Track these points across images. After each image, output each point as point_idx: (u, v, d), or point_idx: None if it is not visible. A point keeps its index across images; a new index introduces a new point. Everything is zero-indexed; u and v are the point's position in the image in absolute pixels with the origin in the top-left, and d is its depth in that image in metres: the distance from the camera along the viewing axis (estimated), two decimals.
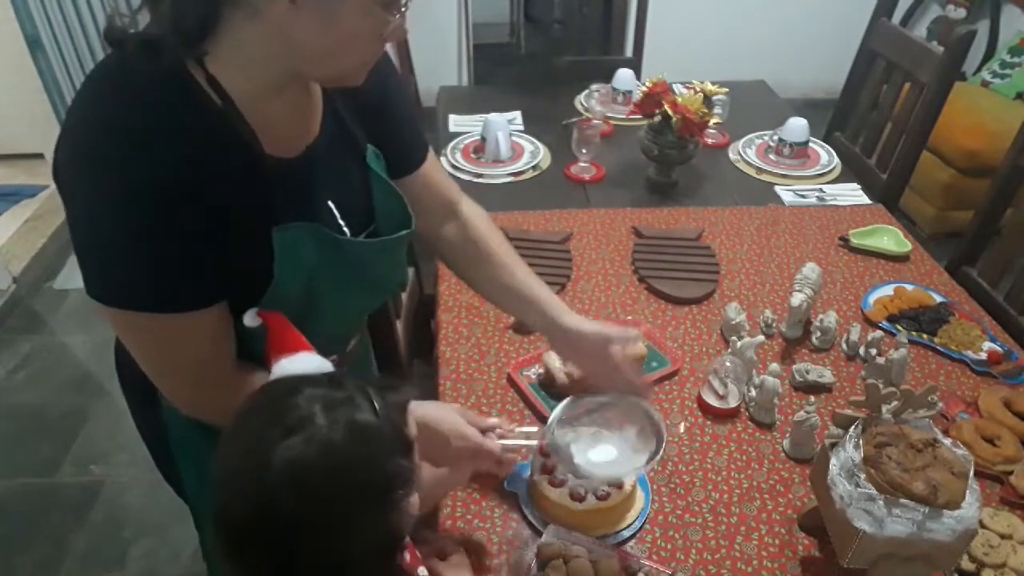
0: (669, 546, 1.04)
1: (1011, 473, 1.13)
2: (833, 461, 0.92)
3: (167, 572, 1.91)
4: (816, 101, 3.72)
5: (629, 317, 1.46)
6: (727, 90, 1.93)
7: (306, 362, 0.77)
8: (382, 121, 1.01)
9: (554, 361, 1.26)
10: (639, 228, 1.70)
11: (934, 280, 1.58)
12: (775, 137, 2.03)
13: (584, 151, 1.91)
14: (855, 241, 1.67)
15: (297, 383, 0.70)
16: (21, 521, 2.03)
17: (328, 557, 0.65)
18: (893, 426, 0.94)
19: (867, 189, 1.95)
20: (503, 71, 4.37)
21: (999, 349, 1.36)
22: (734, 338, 1.29)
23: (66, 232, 0.79)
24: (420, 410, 0.91)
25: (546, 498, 1.04)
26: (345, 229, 0.95)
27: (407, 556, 0.82)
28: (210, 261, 0.79)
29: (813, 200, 1.87)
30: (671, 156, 1.82)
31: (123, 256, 0.77)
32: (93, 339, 2.59)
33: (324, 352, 0.81)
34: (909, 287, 1.53)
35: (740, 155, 2.05)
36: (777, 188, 1.92)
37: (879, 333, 1.36)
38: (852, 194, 1.90)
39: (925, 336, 1.41)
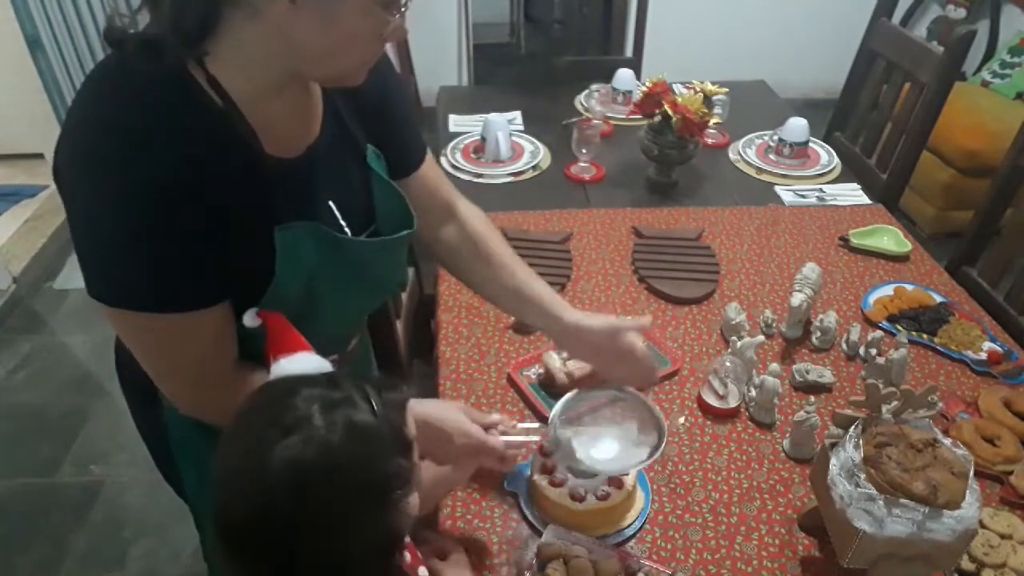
0: (669, 546, 1.04)
1: (1011, 473, 1.13)
2: (833, 461, 0.92)
3: (167, 572, 1.91)
4: (816, 101, 3.72)
5: (629, 317, 1.45)
6: (727, 90, 1.93)
7: (305, 362, 0.77)
8: (382, 121, 1.01)
9: (554, 361, 1.27)
10: (639, 228, 1.70)
11: (934, 280, 1.58)
12: (775, 137, 2.03)
13: (584, 151, 1.92)
14: (855, 241, 1.67)
15: (295, 383, 0.70)
16: (21, 521, 2.03)
17: (328, 557, 0.65)
18: (893, 426, 0.94)
19: (867, 189, 1.95)
20: (503, 71, 4.37)
21: (999, 349, 1.36)
22: (734, 338, 1.29)
23: (66, 232, 0.79)
24: (423, 408, 0.91)
25: (546, 498, 1.04)
26: (346, 229, 0.95)
27: (408, 556, 0.82)
28: (210, 261, 0.79)
29: (813, 200, 1.87)
30: (671, 156, 1.83)
31: (123, 256, 0.77)
32: (93, 339, 2.59)
33: (324, 352, 0.81)
34: (909, 287, 1.53)
35: (740, 155, 2.05)
36: (777, 188, 1.92)
37: (879, 333, 1.36)
38: (852, 194, 1.90)
39: (925, 336, 1.41)
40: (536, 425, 1.14)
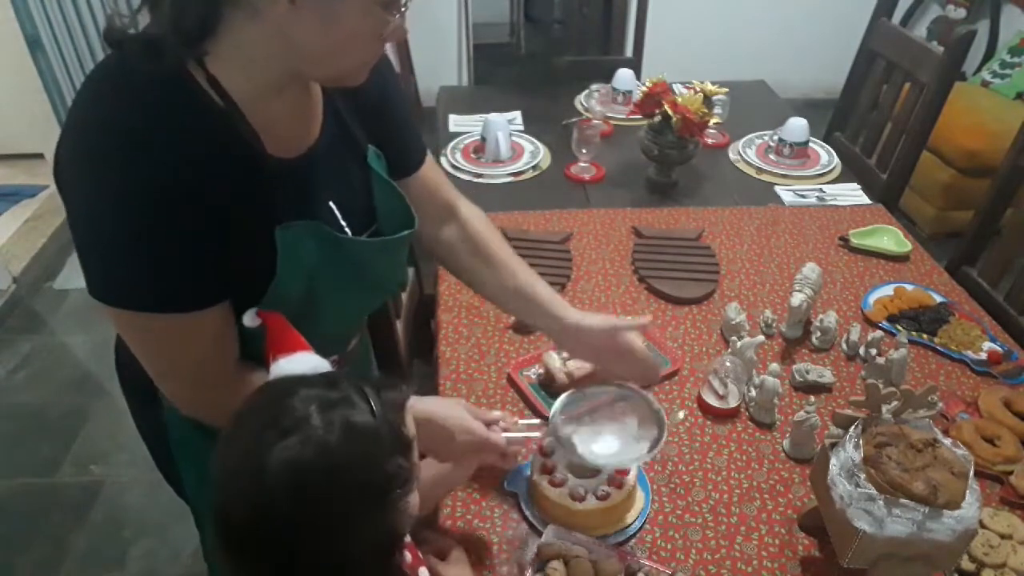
0: (669, 546, 1.04)
1: (1011, 473, 1.13)
2: (833, 461, 0.92)
3: (167, 572, 1.91)
4: (816, 101, 3.72)
5: (629, 317, 1.45)
6: (727, 90, 1.93)
7: (304, 362, 0.77)
8: (382, 121, 1.01)
9: (554, 361, 1.27)
10: (639, 228, 1.70)
11: (934, 280, 1.58)
12: (775, 137, 2.03)
13: (584, 151, 1.92)
14: (855, 241, 1.67)
15: (294, 384, 0.70)
16: (21, 521, 2.03)
17: (327, 557, 0.65)
18: (893, 426, 0.94)
19: (867, 189, 1.95)
20: (503, 71, 4.37)
21: (999, 349, 1.36)
22: (734, 338, 1.29)
23: (66, 232, 0.79)
24: (424, 405, 0.91)
25: (546, 498, 1.04)
26: (346, 229, 0.95)
27: (408, 557, 0.82)
28: (210, 261, 0.79)
29: (813, 200, 1.87)
30: (671, 156, 1.83)
31: (123, 256, 0.77)
32: (93, 339, 2.59)
33: (325, 352, 0.81)
34: (909, 287, 1.53)
35: (740, 155, 2.05)
36: (777, 188, 1.92)
37: (879, 333, 1.36)
38: (852, 194, 1.90)
39: (925, 336, 1.41)
40: (537, 421, 1.14)
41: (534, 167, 1.97)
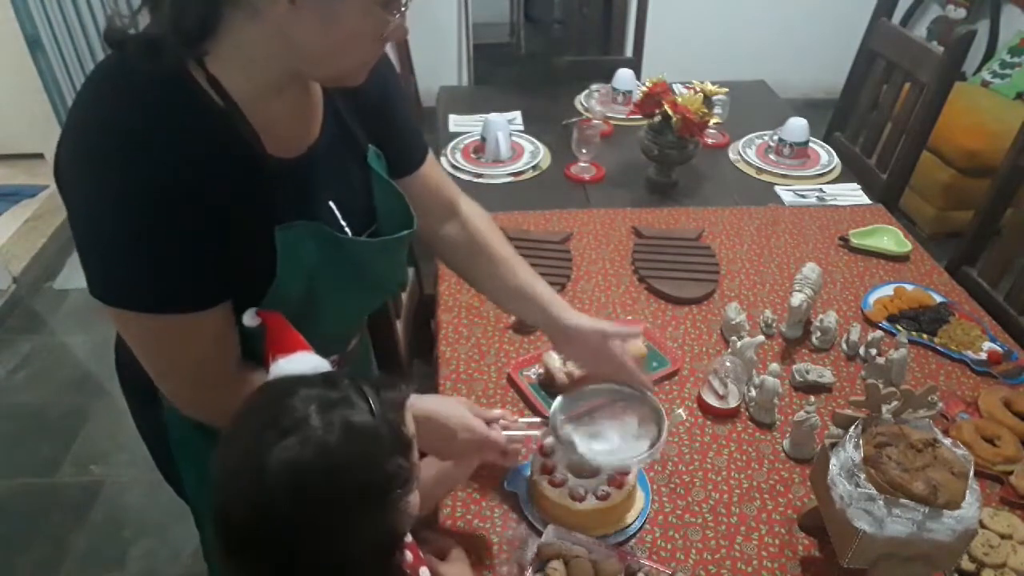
0: (669, 546, 1.04)
1: (1011, 473, 1.13)
2: (833, 461, 0.92)
3: (167, 572, 1.91)
4: (816, 101, 3.72)
5: (629, 317, 1.46)
6: (727, 90, 1.93)
7: (303, 362, 0.77)
8: (382, 121, 1.01)
9: (554, 361, 1.27)
10: (639, 228, 1.70)
11: (934, 280, 1.58)
12: (775, 137, 2.03)
13: (584, 151, 1.92)
14: (855, 241, 1.67)
15: (293, 384, 0.70)
16: (21, 521, 2.03)
17: (327, 557, 0.65)
18: (893, 426, 0.94)
19: (867, 189, 1.95)
20: (503, 71, 4.37)
21: (999, 349, 1.36)
22: (734, 338, 1.29)
23: (66, 232, 0.80)
24: (425, 404, 0.91)
25: (546, 498, 1.04)
26: (347, 229, 0.95)
27: (409, 556, 0.82)
28: (210, 261, 0.79)
29: (813, 200, 1.87)
30: (671, 156, 1.83)
31: (123, 256, 0.77)
32: (93, 339, 2.59)
33: (325, 352, 0.81)
34: (909, 287, 1.53)
35: (740, 155, 2.05)
36: (777, 188, 1.92)
37: (879, 333, 1.36)
38: (852, 194, 1.90)
39: (925, 336, 1.41)
40: (537, 420, 1.14)
41: (534, 167, 1.97)
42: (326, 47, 0.78)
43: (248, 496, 0.64)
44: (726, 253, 1.64)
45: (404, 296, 1.83)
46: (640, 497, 1.09)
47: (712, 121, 1.80)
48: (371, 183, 0.99)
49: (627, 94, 2.23)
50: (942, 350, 1.38)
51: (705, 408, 1.25)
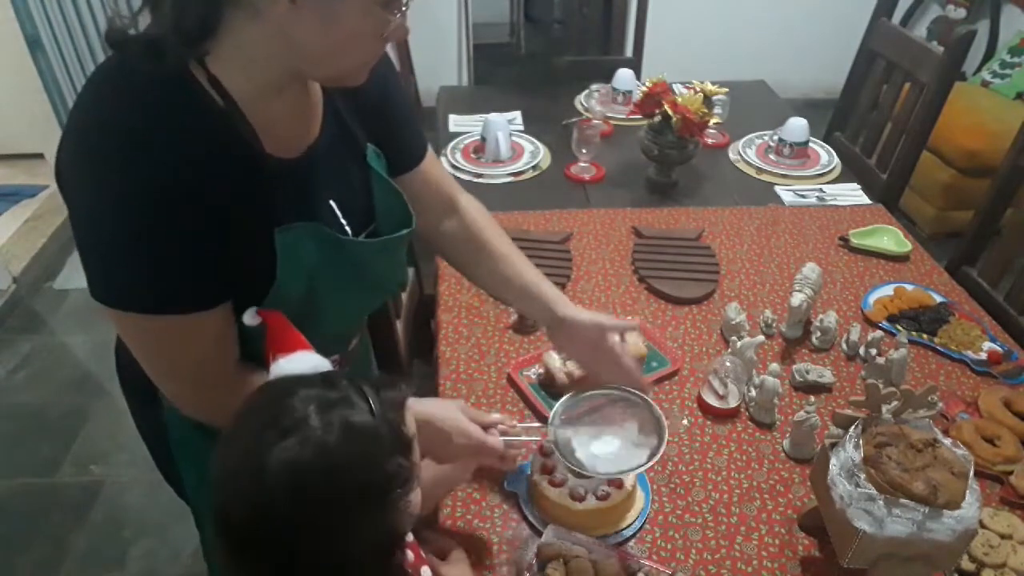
0: (669, 546, 1.04)
1: (1011, 473, 1.13)
2: (833, 461, 0.92)
3: (167, 572, 1.91)
4: (816, 101, 3.73)
5: (629, 317, 1.46)
6: (727, 90, 1.93)
7: (303, 361, 0.77)
8: (382, 120, 1.01)
9: (554, 361, 1.27)
10: (639, 228, 1.70)
11: (934, 280, 1.58)
12: (775, 137, 2.03)
13: (584, 151, 1.92)
14: (855, 241, 1.67)
15: (293, 384, 0.70)
16: (21, 521, 2.03)
17: (328, 557, 0.65)
18: (893, 426, 0.94)
19: (867, 189, 1.95)
20: (503, 71, 4.37)
21: (999, 349, 1.36)
22: (734, 338, 1.29)
23: (66, 232, 0.80)
24: (421, 407, 0.91)
25: (546, 498, 1.04)
26: (347, 228, 0.95)
27: (410, 556, 0.82)
28: (210, 261, 0.79)
29: (813, 200, 1.87)
30: (671, 156, 1.83)
31: (123, 256, 0.77)
32: (93, 339, 2.59)
33: (326, 352, 0.81)
34: (909, 287, 1.53)
35: (740, 155, 2.05)
36: (777, 188, 1.92)
37: (879, 333, 1.36)
38: (852, 194, 1.90)
39: (925, 336, 1.41)
40: (536, 425, 1.14)
41: (534, 167, 1.97)
42: (326, 47, 0.78)
43: (248, 496, 0.64)
44: (726, 253, 1.64)
45: (404, 296, 1.83)
46: (640, 497, 1.09)
47: (712, 121, 1.80)
48: (371, 182, 0.99)
49: (627, 94, 2.23)
50: (942, 350, 1.38)
51: (705, 408, 1.25)
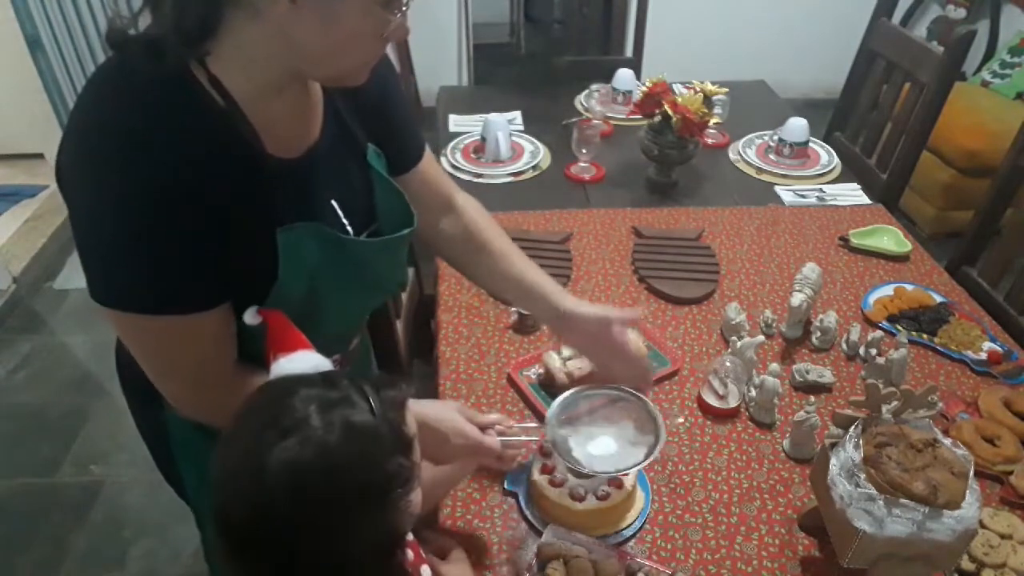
0: (669, 546, 1.04)
1: (1011, 473, 1.13)
2: (833, 461, 0.93)
3: (167, 572, 1.91)
4: (816, 101, 3.73)
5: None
6: (727, 90, 1.93)
7: (304, 361, 0.77)
8: (382, 120, 1.01)
9: (554, 361, 1.27)
10: (639, 228, 1.70)
11: (934, 280, 1.58)
12: (775, 137, 2.03)
13: (584, 151, 1.92)
14: (855, 241, 1.67)
15: (294, 384, 0.70)
16: (21, 521, 2.03)
17: (328, 557, 0.65)
18: (893, 426, 0.94)
19: (867, 189, 1.95)
20: (503, 71, 4.37)
21: (999, 349, 1.36)
22: (734, 338, 1.29)
23: (66, 232, 0.80)
24: (418, 408, 0.91)
25: (546, 498, 1.04)
26: (349, 228, 0.95)
27: (410, 555, 0.82)
28: (210, 262, 0.79)
29: (813, 200, 1.87)
30: (671, 156, 1.83)
31: (124, 257, 0.77)
32: (93, 339, 2.59)
33: (327, 352, 0.81)
34: (909, 287, 1.53)
35: (740, 155, 2.05)
36: (777, 188, 1.92)
37: (879, 333, 1.36)
38: (852, 194, 1.90)
39: (925, 336, 1.41)
40: (534, 425, 1.14)
41: (534, 167, 1.97)
42: (327, 47, 0.78)
43: (248, 496, 0.63)
44: (726, 253, 1.64)
45: (404, 296, 1.83)
46: (640, 497, 1.09)
47: (712, 121, 1.80)
48: (371, 182, 0.99)
49: (627, 94, 2.23)
50: (942, 350, 1.38)
51: (705, 408, 1.25)
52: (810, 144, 2.04)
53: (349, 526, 0.65)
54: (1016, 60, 3.33)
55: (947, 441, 0.93)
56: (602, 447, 1.04)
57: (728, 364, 1.23)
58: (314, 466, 0.63)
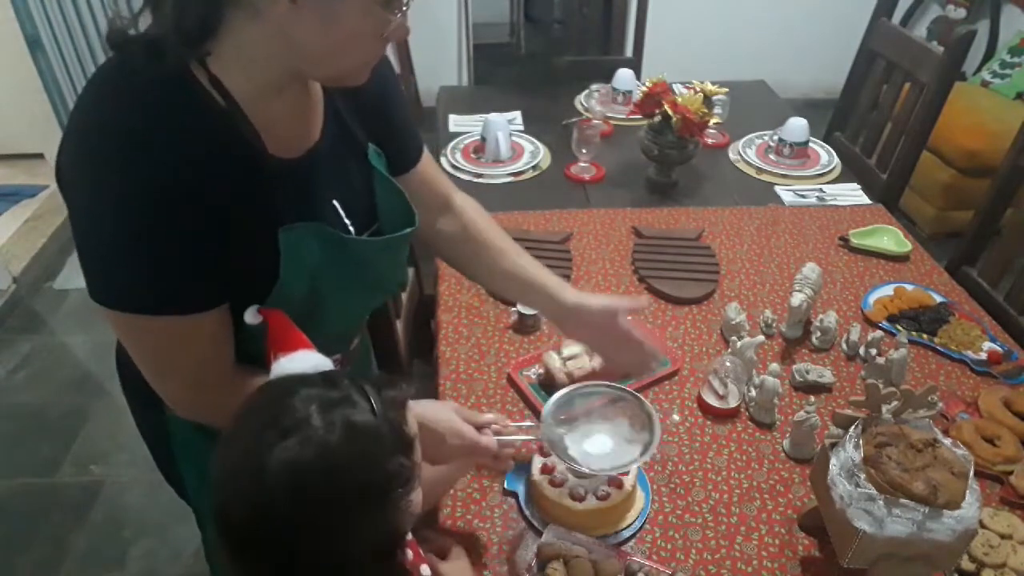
0: (669, 546, 1.04)
1: (1011, 473, 1.13)
2: (833, 461, 0.93)
3: (167, 572, 1.91)
4: (816, 101, 3.73)
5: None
6: (727, 90, 1.93)
7: (304, 361, 0.77)
8: (382, 120, 1.01)
9: (554, 361, 1.27)
10: (639, 228, 1.70)
11: (934, 280, 1.58)
12: (775, 137, 2.03)
13: (584, 151, 1.92)
14: (855, 241, 1.67)
15: (294, 384, 0.70)
16: (21, 521, 2.03)
17: (328, 557, 0.65)
18: (893, 426, 0.94)
19: (867, 189, 1.95)
20: (503, 71, 4.37)
21: (999, 349, 1.36)
22: (734, 338, 1.29)
23: (66, 232, 0.80)
24: (416, 408, 0.91)
25: (546, 498, 1.04)
26: (351, 228, 0.95)
27: (410, 554, 0.82)
28: (211, 262, 0.79)
29: (813, 200, 1.87)
30: (671, 156, 1.83)
31: (123, 257, 0.77)
32: (93, 339, 2.59)
33: (328, 351, 0.81)
34: (909, 287, 1.53)
35: (740, 155, 2.05)
36: (777, 188, 1.92)
37: (879, 333, 1.36)
38: (852, 194, 1.90)
39: (925, 336, 1.41)
40: (530, 424, 1.14)
41: (534, 167, 1.97)
42: (327, 47, 0.78)
43: (248, 496, 0.64)
44: (726, 253, 1.64)
45: (404, 296, 1.83)
46: (640, 497, 1.09)
47: (712, 121, 1.80)
48: (372, 182, 0.99)
49: (627, 94, 2.23)
50: (942, 350, 1.38)
51: (705, 408, 1.25)
52: (810, 144, 2.04)
53: (349, 526, 0.65)
54: (1016, 60, 3.33)
55: (947, 441, 0.93)
56: (598, 445, 1.04)
57: (728, 364, 1.23)
58: (314, 466, 0.63)
